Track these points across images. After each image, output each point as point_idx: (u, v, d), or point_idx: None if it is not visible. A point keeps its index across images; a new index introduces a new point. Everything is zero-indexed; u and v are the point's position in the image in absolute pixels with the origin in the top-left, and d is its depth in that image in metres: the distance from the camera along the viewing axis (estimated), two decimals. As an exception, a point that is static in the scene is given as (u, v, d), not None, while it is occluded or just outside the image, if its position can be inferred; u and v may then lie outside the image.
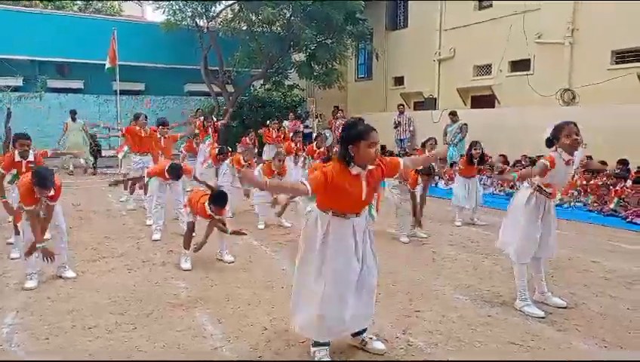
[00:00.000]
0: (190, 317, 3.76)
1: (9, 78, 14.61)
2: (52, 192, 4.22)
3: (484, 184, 10.31)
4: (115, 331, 3.48)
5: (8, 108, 13.39)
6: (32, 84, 14.76)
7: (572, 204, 8.35)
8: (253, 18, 15.33)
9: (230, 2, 15.89)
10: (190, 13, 15.64)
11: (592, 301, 4.10)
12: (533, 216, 3.80)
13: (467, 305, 4.04)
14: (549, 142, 3.76)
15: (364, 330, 3.20)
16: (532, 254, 3.88)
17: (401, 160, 3.11)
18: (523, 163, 10.33)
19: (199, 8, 15.48)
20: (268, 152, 11.09)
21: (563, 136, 3.66)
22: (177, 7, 15.48)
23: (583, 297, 4.19)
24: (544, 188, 3.80)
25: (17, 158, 5.18)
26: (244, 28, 15.80)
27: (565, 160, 3.69)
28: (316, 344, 3.05)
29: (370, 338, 3.19)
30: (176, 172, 6.06)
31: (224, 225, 5.02)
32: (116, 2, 26.93)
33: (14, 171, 5.27)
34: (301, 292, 3.03)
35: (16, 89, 14.61)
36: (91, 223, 7.08)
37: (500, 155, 11.07)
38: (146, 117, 8.09)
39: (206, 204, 4.83)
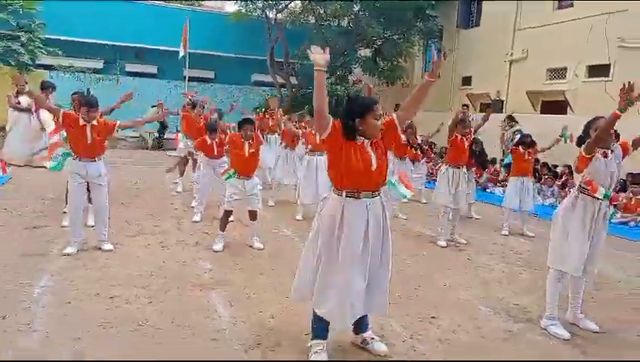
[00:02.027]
0: (206, 297, 3.86)
1: (90, 61, 15.68)
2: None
3: (544, 194, 9.73)
4: (133, 303, 3.65)
5: (88, 89, 14.43)
6: (112, 67, 15.79)
7: (638, 222, 7.63)
8: (321, 11, 15.40)
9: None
10: (261, 4, 16.00)
11: (635, 328, 3.73)
12: (580, 224, 3.49)
13: (489, 317, 3.82)
14: (581, 140, 3.56)
15: (366, 327, 3.12)
16: (581, 267, 3.51)
17: (393, 114, 2.95)
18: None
19: (270, 0, 15.78)
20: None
21: (593, 130, 3.45)
22: (250, -1, 15.89)
23: (624, 323, 3.82)
24: (586, 187, 3.49)
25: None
26: (312, 21, 15.91)
27: (601, 153, 3.45)
28: (315, 336, 3.01)
29: (372, 338, 3.11)
30: (212, 127, 6.40)
31: None
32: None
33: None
34: (325, 278, 2.95)
35: (96, 71, 15.66)
36: (142, 201, 7.46)
37: (566, 165, 10.36)
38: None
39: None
